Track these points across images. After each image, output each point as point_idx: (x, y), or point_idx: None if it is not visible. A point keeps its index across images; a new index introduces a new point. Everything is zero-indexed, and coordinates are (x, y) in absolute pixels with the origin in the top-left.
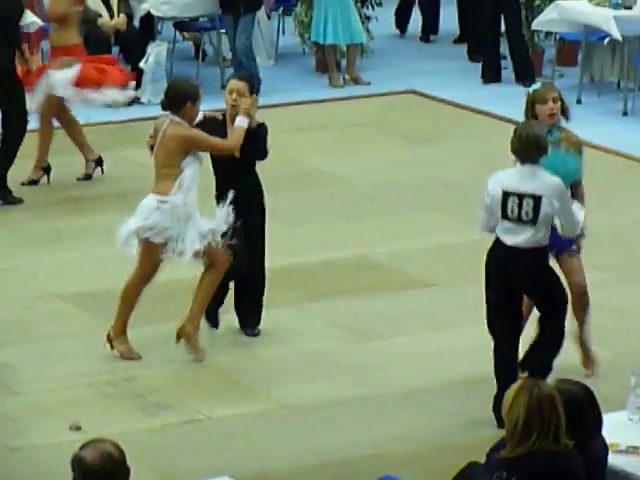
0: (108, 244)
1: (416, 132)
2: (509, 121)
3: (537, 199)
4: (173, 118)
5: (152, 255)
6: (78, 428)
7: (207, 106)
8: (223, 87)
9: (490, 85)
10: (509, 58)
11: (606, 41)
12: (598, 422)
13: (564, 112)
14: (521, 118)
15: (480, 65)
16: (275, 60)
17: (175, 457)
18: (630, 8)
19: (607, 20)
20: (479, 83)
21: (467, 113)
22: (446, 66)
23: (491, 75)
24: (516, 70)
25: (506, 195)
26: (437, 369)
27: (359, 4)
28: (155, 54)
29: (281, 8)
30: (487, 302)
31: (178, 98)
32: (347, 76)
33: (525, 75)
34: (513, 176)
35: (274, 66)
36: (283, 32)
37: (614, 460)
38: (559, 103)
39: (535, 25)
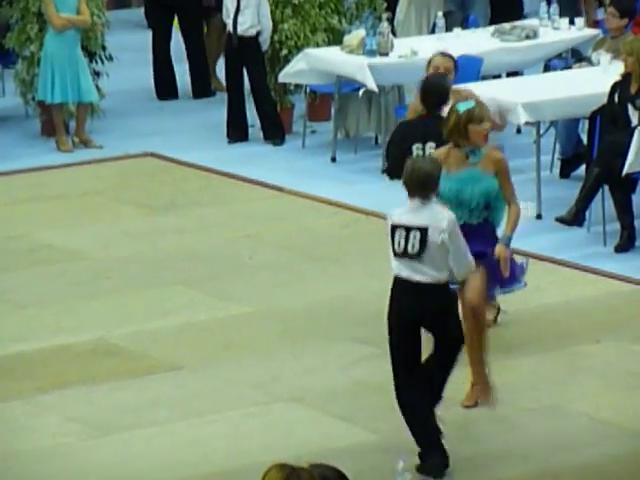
0: None
1: (156, 199)
2: (257, 183)
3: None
4: None
5: None
6: None
7: None
8: None
9: (236, 144)
10: (255, 115)
11: (361, 92)
12: None
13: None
14: (270, 179)
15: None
16: None
17: None
18: (386, 55)
19: (361, 69)
20: (224, 143)
21: (211, 176)
22: (188, 124)
23: (237, 134)
24: (264, 128)
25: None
26: (189, 462)
27: (87, 58)
28: None
29: None
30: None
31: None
32: (76, 139)
33: (274, 133)
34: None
35: None
36: (3, 93)
37: None
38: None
39: (282, 77)
